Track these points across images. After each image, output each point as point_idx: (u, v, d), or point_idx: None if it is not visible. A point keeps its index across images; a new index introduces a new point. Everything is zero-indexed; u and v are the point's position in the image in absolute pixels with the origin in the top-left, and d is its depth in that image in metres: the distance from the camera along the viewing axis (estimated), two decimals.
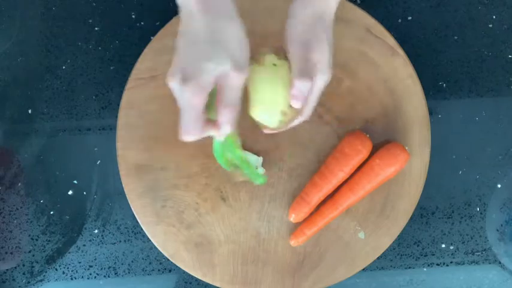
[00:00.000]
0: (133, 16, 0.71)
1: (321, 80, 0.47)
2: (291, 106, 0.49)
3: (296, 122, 0.52)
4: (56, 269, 0.67)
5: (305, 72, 0.46)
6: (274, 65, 0.48)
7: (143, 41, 0.65)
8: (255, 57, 0.49)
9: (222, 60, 0.41)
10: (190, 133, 0.43)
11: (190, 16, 0.41)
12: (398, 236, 0.62)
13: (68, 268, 0.67)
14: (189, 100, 0.41)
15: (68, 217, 0.68)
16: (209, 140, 0.63)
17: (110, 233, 0.67)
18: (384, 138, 0.63)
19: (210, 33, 0.41)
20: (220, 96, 0.43)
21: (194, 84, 0.40)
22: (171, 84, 0.41)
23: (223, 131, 0.44)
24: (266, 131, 0.53)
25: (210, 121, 0.45)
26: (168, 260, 0.63)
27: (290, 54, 0.47)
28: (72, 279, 0.67)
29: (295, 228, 0.63)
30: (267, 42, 0.62)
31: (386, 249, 0.62)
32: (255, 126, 0.63)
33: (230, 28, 0.42)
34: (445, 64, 0.70)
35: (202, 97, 0.41)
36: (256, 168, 0.63)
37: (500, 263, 0.67)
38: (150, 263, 0.67)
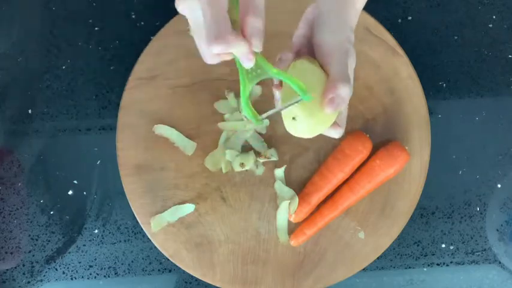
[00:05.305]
0: (133, 16, 0.71)
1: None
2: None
3: (334, 134, 0.46)
4: (56, 269, 0.67)
5: (348, 77, 0.41)
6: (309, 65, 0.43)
7: (143, 41, 0.65)
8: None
9: None
10: (219, 37, 0.35)
11: None
12: (398, 236, 0.62)
13: (68, 268, 0.67)
14: None
15: (68, 217, 0.68)
16: (208, 139, 0.64)
17: (110, 233, 0.67)
18: (384, 138, 0.63)
19: None
20: (245, 4, 0.38)
21: None
22: None
23: (253, 44, 0.38)
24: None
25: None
26: (168, 260, 0.63)
27: (329, 59, 0.42)
28: (72, 279, 0.67)
29: (295, 228, 0.63)
30: (273, 41, 0.62)
31: (386, 249, 0.62)
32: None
33: None
34: (445, 64, 0.70)
35: None
36: (257, 167, 0.63)
37: (500, 263, 0.67)
38: (150, 263, 0.67)
